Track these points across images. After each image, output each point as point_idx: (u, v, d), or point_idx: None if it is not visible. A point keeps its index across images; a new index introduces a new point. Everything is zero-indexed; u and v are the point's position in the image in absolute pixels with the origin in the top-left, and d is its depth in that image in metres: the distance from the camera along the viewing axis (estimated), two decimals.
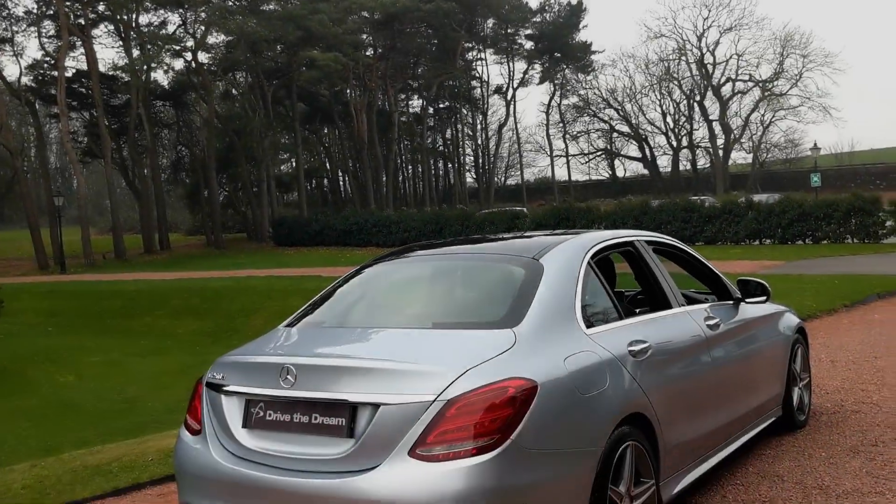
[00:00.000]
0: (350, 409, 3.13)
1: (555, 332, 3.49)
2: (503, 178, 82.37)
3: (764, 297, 5.24)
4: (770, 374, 5.32)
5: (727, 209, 29.09)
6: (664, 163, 75.82)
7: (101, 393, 15.26)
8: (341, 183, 67.75)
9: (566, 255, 3.96)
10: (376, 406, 3.07)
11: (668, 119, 73.50)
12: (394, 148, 58.62)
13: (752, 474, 4.94)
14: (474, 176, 77.54)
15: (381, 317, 3.91)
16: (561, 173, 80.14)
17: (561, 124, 75.43)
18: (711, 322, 4.62)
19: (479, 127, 73.79)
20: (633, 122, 74.48)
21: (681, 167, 74.88)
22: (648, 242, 4.70)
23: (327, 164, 67.00)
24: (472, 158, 76.79)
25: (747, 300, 5.19)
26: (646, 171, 76.91)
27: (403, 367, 3.15)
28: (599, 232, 4.44)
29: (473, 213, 38.75)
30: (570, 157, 76.95)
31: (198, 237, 54.99)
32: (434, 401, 2.99)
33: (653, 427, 3.77)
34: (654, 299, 4.51)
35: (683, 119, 72.91)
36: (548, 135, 75.83)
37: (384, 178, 57.13)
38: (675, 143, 74.12)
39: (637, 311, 4.48)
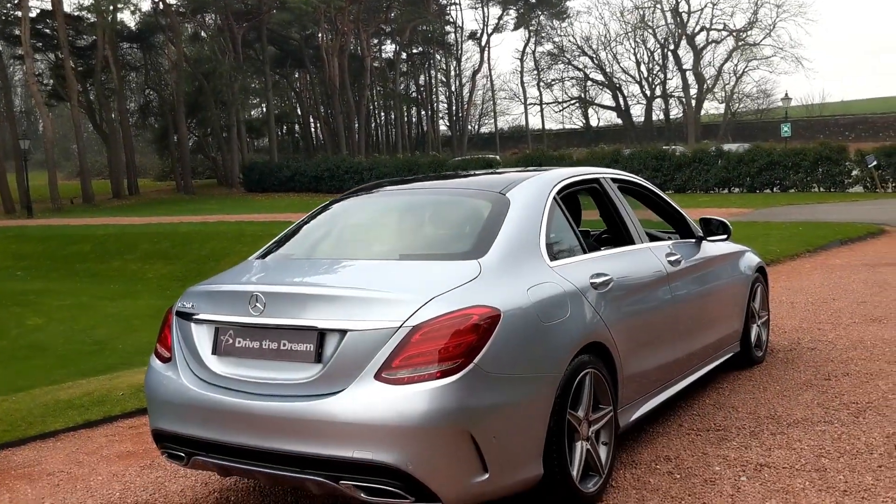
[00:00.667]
0: (318, 336, 3.21)
1: (519, 264, 3.58)
2: (477, 126, 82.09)
3: (725, 236, 5.36)
4: (729, 310, 5.48)
5: (697, 157, 29.33)
6: (637, 112, 76.00)
7: (71, 335, 15.26)
8: (313, 129, 67.10)
9: (532, 191, 4.04)
10: (343, 332, 3.15)
11: (643, 68, 73.47)
12: (366, 94, 58.09)
13: (708, 405, 5.12)
14: (448, 123, 77.27)
15: (350, 249, 3.97)
16: (535, 122, 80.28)
17: (535, 72, 75.20)
18: (673, 258, 4.74)
19: (452, 73, 73.26)
20: (608, 70, 74.35)
21: (654, 116, 75.10)
22: (614, 180, 4.78)
23: (298, 110, 66.23)
24: (445, 105, 76.45)
25: (709, 238, 5.32)
26: (619, 121, 77.02)
27: (370, 294, 3.23)
28: (565, 169, 4.51)
29: (446, 160, 38.68)
30: (544, 106, 76.88)
31: (167, 183, 54.42)
32: (400, 327, 3.08)
33: (612, 357, 3.90)
34: (618, 236, 4.61)
35: (657, 68, 72.93)
36: (522, 82, 75.57)
37: (356, 125, 56.63)
38: (648, 93, 74.20)
39: (602, 248, 4.59)
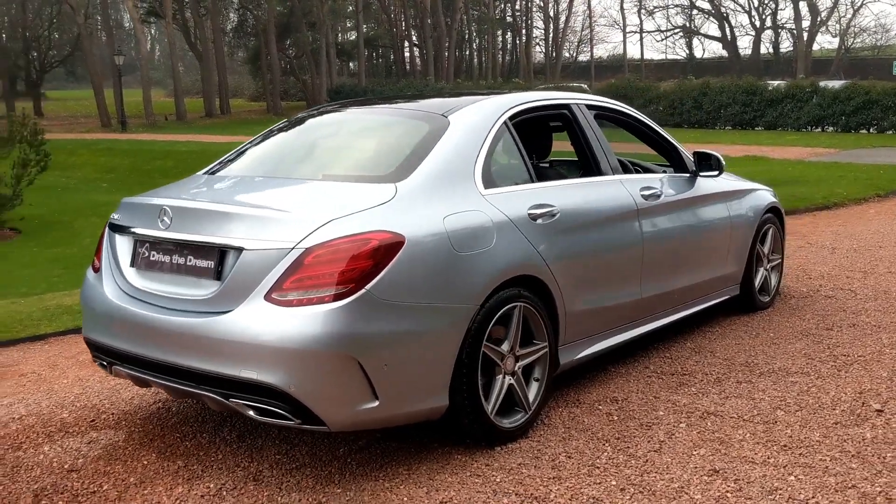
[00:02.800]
0: (219, 253, 3.17)
1: (443, 190, 3.44)
2: (574, 55, 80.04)
3: (716, 172, 5.04)
4: (723, 251, 5.19)
5: (790, 93, 27.77)
6: (745, 44, 72.82)
7: None
8: (406, 54, 66.67)
9: (478, 114, 3.85)
10: (240, 250, 3.11)
11: None
12: (458, 17, 57.10)
13: (687, 349, 4.91)
14: (543, 51, 75.50)
15: (283, 167, 3.89)
16: (635, 51, 77.35)
17: None
18: (648, 192, 4.49)
19: None
20: None
21: (762, 49, 71.58)
22: (590, 107, 4.53)
23: (395, 34, 65.75)
24: (542, 32, 74.62)
25: (701, 174, 5.01)
26: (724, 53, 73.72)
27: (270, 214, 3.16)
28: (528, 93, 4.29)
29: (528, 88, 37.81)
30: (644, 34, 74.16)
31: (260, 103, 55.24)
32: (293, 248, 3.01)
33: (550, 292, 3.75)
34: (586, 166, 4.39)
35: None
36: (622, 8, 72.97)
37: (446, 50, 55.94)
38: (757, 24, 70.62)
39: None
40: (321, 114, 4.44)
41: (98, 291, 3.57)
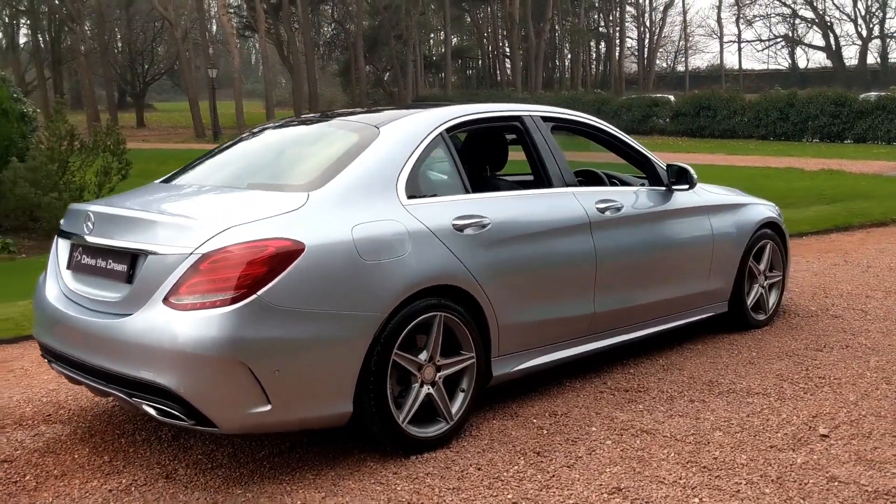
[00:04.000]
0: (131, 257, 3.31)
1: (358, 199, 3.49)
2: (672, 65, 78.60)
3: (686, 186, 4.91)
4: (704, 267, 5.05)
5: (881, 105, 26.50)
6: (850, 54, 69.69)
7: None
8: (492, 65, 66.83)
9: (410, 126, 3.89)
10: (146, 255, 3.24)
11: (859, 5, 67.04)
12: (546, 28, 56.91)
13: (657, 365, 4.80)
14: (636, 61, 74.41)
15: (219, 177, 3.99)
16: (733, 60, 75.37)
17: (735, 6, 70.58)
18: (606, 206, 4.42)
19: (645, 6, 70.18)
20: (819, 6, 68.45)
21: (869, 59, 68.64)
22: (547, 119, 4.49)
23: (484, 45, 66.09)
24: (635, 42, 73.55)
25: (674, 187, 4.90)
26: (829, 63, 71.03)
27: (177, 220, 3.28)
28: (472, 105, 4.29)
29: (609, 99, 37.32)
30: (742, 44, 72.21)
31: None
32: (190, 254, 3.12)
33: (478, 303, 3.75)
34: (537, 178, 4.36)
35: (876, 5, 66.28)
36: (719, 18, 71.31)
37: (533, 61, 55.82)
38: (864, 33, 67.78)
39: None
40: (276, 127, 4.55)
41: (41, 292, 3.77)
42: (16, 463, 3.59)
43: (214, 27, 61.24)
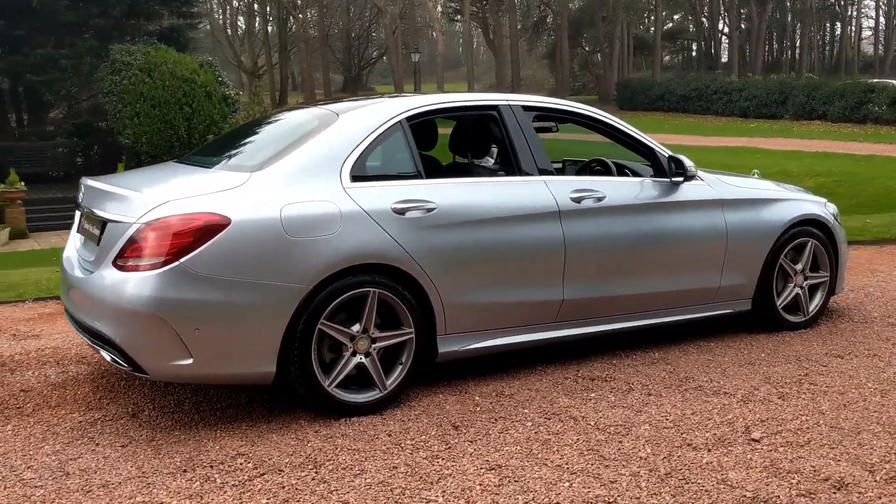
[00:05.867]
0: (101, 224, 3.87)
1: (296, 180, 3.82)
2: None
3: (680, 178, 4.78)
4: (713, 261, 4.90)
5: None
6: None
7: None
8: (709, 46, 63.87)
9: (368, 114, 4.16)
10: (106, 222, 3.78)
11: None
12: (768, 6, 53.61)
13: (647, 357, 4.77)
14: (875, 42, 68.19)
15: (210, 157, 4.43)
16: None
17: None
18: (582, 195, 4.45)
19: None
20: None
21: None
22: (529, 108, 4.58)
23: (702, 25, 63.32)
24: (873, 23, 67.51)
25: (673, 179, 4.79)
26: None
27: (131, 194, 3.78)
28: (443, 95, 4.46)
29: (820, 84, 34.60)
30: None
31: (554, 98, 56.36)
32: (134, 222, 3.61)
33: (419, 282, 3.97)
34: (508, 166, 4.47)
35: None
36: None
37: (755, 41, 52.86)
38: None
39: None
40: (277, 112, 4.96)
41: (62, 257, 4.44)
42: (30, 393, 4.30)
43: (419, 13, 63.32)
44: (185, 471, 3.38)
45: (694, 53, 68.29)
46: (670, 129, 31.67)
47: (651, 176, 4.89)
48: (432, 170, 4.93)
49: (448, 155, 4.94)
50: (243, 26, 60.21)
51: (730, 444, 3.59)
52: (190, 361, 3.58)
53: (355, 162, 3.98)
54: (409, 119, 4.22)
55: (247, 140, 4.41)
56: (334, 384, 3.83)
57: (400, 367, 4.01)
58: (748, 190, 5.16)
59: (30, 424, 3.90)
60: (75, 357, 4.87)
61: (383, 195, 3.96)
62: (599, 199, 4.51)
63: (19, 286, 6.96)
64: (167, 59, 19.69)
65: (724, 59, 61.39)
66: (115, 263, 3.65)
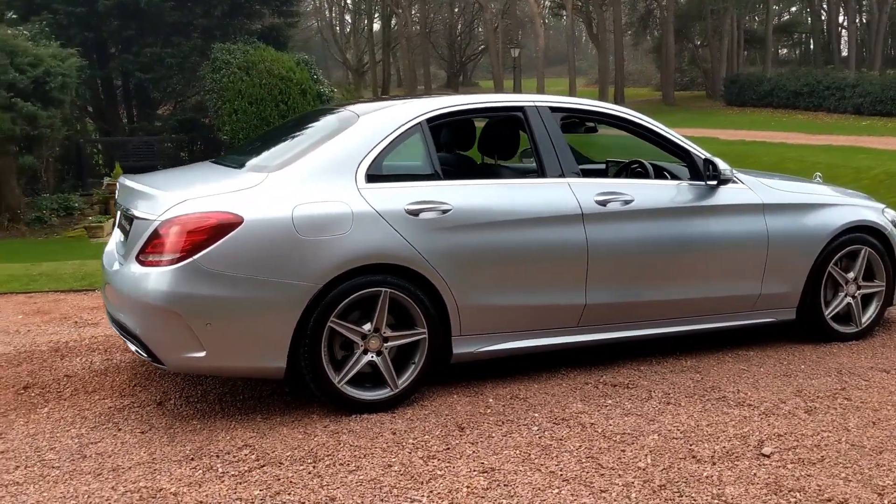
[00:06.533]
0: (131, 220, 4.06)
1: (310, 181, 3.91)
2: None
3: (714, 181, 4.61)
4: (753, 268, 4.73)
5: None
6: None
7: None
8: (827, 41, 61.06)
9: (388, 115, 4.21)
10: (135, 219, 3.97)
11: None
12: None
13: (678, 365, 4.66)
14: None
15: (240, 157, 4.56)
16: None
17: None
18: (608, 198, 4.37)
19: None
20: None
21: None
22: (556, 109, 4.52)
23: (821, 18, 60.58)
24: None
25: (708, 182, 4.64)
26: None
27: (155, 192, 3.95)
28: (466, 96, 4.45)
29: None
30: None
31: (658, 93, 55.14)
32: (156, 220, 3.78)
33: (433, 283, 4.00)
34: (538, 169, 4.43)
35: None
36: None
37: (874, 36, 50.22)
38: None
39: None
40: (313, 113, 5.05)
41: (104, 252, 4.67)
42: (73, 378, 4.56)
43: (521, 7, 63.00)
44: (192, 459, 3.52)
45: (812, 47, 65.47)
46: (777, 126, 30.47)
47: (689, 178, 4.76)
48: (464, 170, 4.96)
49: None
50: (350, 24, 61.47)
51: (737, 459, 3.48)
52: (203, 354, 3.73)
53: (372, 163, 4.04)
54: (429, 121, 4.24)
55: (276, 140, 4.53)
56: (345, 381, 3.91)
57: (413, 366, 4.05)
58: (794, 194, 4.95)
59: (64, 408, 4.14)
60: (122, 346, 5.13)
61: (397, 196, 4.00)
62: (627, 203, 4.43)
63: (93, 276, 7.35)
64: (265, 57, 20.28)
65: (844, 53, 58.58)
66: (137, 258, 3.83)
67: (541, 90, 42.61)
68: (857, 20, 52.10)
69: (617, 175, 5.18)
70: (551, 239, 4.26)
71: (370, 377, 4.01)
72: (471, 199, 4.14)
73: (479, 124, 4.99)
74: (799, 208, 4.89)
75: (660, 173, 4.96)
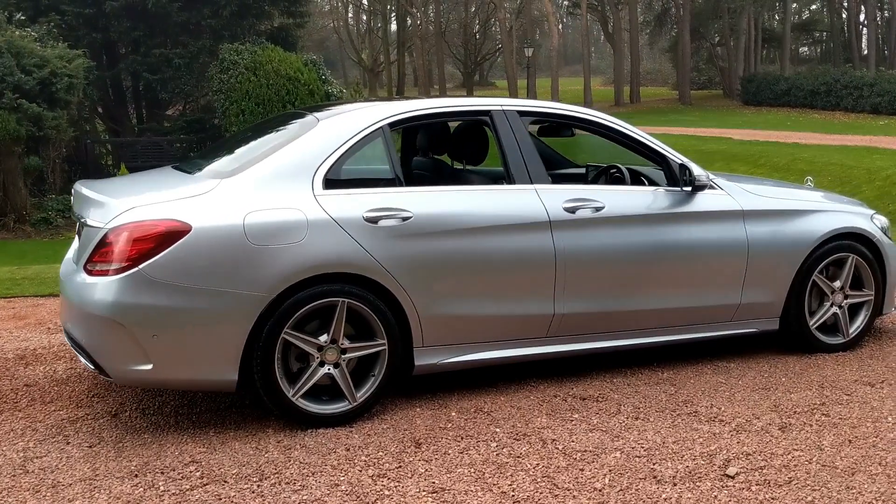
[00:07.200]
0: (82, 226, 3.96)
1: (265, 187, 3.78)
2: None
3: (690, 188, 4.45)
4: (732, 278, 4.56)
5: None
6: None
7: None
8: (847, 39, 60.35)
9: (349, 120, 4.08)
10: (85, 226, 3.86)
11: None
12: None
13: (654, 377, 4.50)
14: None
15: (200, 162, 4.42)
16: None
17: None
18: (577, 205, 4.22)
19: None
20: None
21: None
22: (525, 113, 4.37)
23: (841, 16, 59.89)
24: None
25: (684, 188, 4.48)
26: None
27: (105, 199, 3.83)
28: (430, 100, 4.30)
29: None
30: None
31: (674, 92, 54.72)
32: (103, 227, 3.67)
33: (393, 293, 3.87)
34: (506, 175, 4.29)
35: None
36: None
37: (894, 33, 49.58)
38: None
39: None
40: (277, 117, 4.92)
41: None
42: (33, 388, 4.47)
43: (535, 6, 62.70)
44: (135, 475, 3.41)
45: (832, 46, 64.68)
46: (793, 126, 30.07)
47: (665, 184, 4.60)
48: (432, 176, 4.83)
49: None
50: (365, 24, 61.42)
51: (699, 479, 3.32)
52: (149, 367, 3.62)
53: (330, 168, 3.91)
54: (392, 125, 4.11)
55: (237, 145, 4.42)
56: (300, 394, 3.79)
57: (372, 378, 3.92)
58: (775, 200, 4.77)
59: (16, 419, 4.04)
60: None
61: (356, 203, 3.87)
62: (598, 210, 4.28)
63: None
64: (272, 58, 20.24)
65: (865, 52, 57.83)
66: (85, 267, 3.72)
67: (555, 90, 42.39)
68: (878, 17, 51.40)
69: (595, 180, 5.03)
70: (518, 247, 4.12)
71: (328, 390, 3.88)
72: (433, 206, 4.00)
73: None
74: (781, 214, 4.72)
75: (637, 179, 4.80)
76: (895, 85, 32.89)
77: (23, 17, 19.00)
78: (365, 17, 61.88)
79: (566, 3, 52.26)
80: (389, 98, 4.69)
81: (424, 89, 46.99)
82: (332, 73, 23.56)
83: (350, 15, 62.30)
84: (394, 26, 57.02)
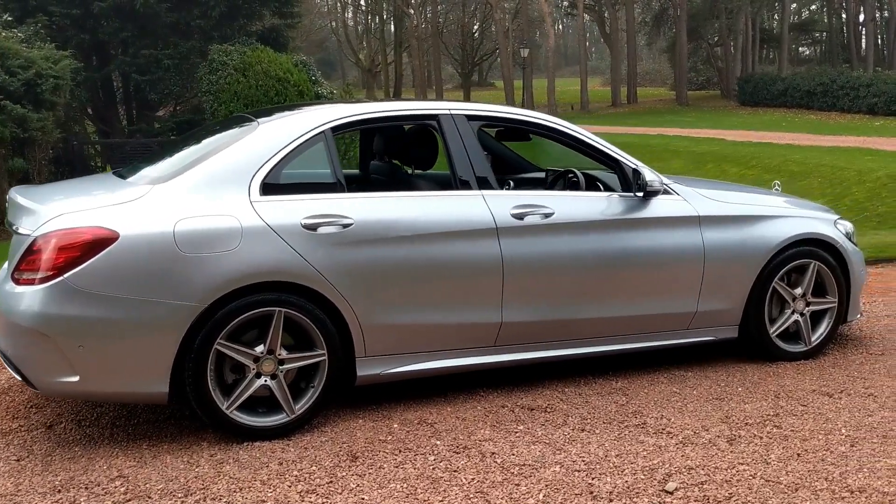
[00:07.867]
0: (14, 235, 3.86)
1: (198, 194, 3.68)
2: None
3: (642, 193, 4.34)
4: (688, 285, 4.46)
5: None
6: None
7: None
8: (845, 39, 60.19)
9: (289, 123, 3.98)
10: (15, 234, 3.76)
11: None
12: None
13: (607, 387, 4.40)
14: None
15: (137, 167, 4.30)
16: None
17: None
18: (525, 212, 4.12)
19: None
20: None
21: None
22: (473, 118, 4.27)
23: (840, 16, 59.74)
24: None
25: (636, 193, 4.38)
26: None
27: (35, 207, 3.73)
28: (389, 103, 4.20)
29: None
30: None
31: (671, 92, 54.59)
32: (30, 235, 3.57)
33: (332, 302, 3.77)
34: (453, 181, 4.18)
35: None
36: None
37: (893, 34, 49.43)
38: None
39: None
40: (222, 121, 4.83)
41: None
42: None
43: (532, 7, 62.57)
44: (58, 491, 3.31)
45: (830, 46, 64.50)
46: (788, 126, 29.96)
47: (620, 189, 4.50)
48: (378, 181, 4.74)
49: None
50: (363, 24, 61.30)
51: (636, 495, 3.22)
52: (76, 379, 3.51)
53: (268, 174, 3.81)
54: (333, 130, 4.01)
55: (176, 150, 4.31)
56: (234, 407, 3.69)
57: (312, 390, 3.83)
58: (733, 205, 4.67)
59: None
60: None
61: (294, 209, 3.77)
62: (547, 216, 4.17)
63: None
64: (262, 58, 20.14)
65: (865, 52, 57.66)
66: (12, 276, 3.63)
67: (551, 90, 42.24)
68: (877, 18, 51.25)
69: (552, 184, 4.92)
70: (463, 254, 4.01)
71: (265, 402, 3.78)
72: (375, 213, 3.90)
73: None
74: (739, 220, 4.61)
75: (593, 184, 4.70)
76: (891, 86, 32.76)
77: (10, 18, 18.92)
78: (361, 18, 61.81)
79: (564, 3, 52.09)
80: (337, 101, 4.59)
81: (421, 90, 46.85)
82: (332, 74, 23.55)
83: (349, 15, 62.23)
84: (392, 27, 56.95)
